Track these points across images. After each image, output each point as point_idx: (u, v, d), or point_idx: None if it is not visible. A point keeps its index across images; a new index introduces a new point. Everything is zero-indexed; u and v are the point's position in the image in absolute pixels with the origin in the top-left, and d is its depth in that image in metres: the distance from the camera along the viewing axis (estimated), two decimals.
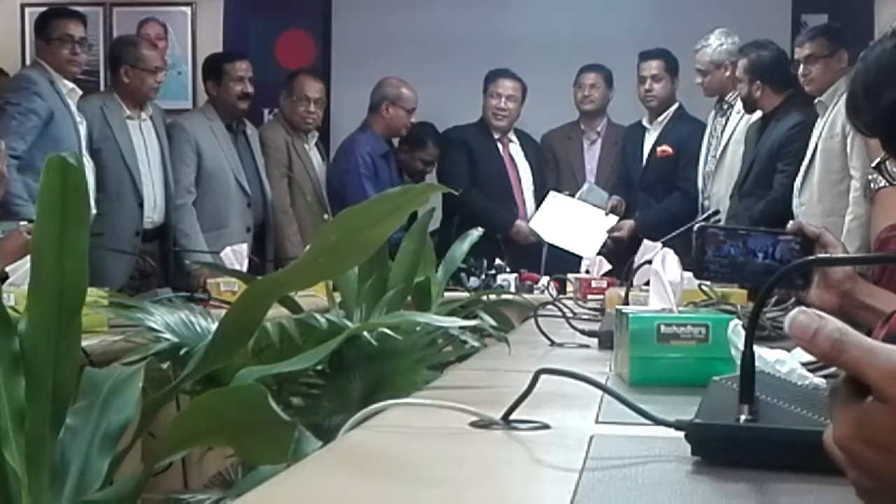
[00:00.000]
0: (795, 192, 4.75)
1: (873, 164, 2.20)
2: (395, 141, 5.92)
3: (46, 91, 4.64)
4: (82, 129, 4.79)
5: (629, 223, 5.53)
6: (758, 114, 5.13)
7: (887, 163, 1.81)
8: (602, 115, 5.94)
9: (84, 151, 4.71)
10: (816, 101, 4.75)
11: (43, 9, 5.75)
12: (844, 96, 5.17)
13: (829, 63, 4.69)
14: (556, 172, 5.91)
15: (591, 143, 5.94)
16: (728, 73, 5.31)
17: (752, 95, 5.03)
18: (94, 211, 4.68)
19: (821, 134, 4.68)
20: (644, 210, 5.62)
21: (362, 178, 5.53)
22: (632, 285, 2.83)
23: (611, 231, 5.51)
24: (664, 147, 5.63)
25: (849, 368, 0.73)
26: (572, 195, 5.66)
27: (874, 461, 0.73)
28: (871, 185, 2.49)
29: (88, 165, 4.76)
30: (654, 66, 5.63)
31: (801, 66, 4.75)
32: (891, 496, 0.73)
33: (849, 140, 4.51)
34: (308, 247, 1.46)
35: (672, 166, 5.63)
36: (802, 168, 4.73)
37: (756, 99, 5.04)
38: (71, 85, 4.76)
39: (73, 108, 4.77)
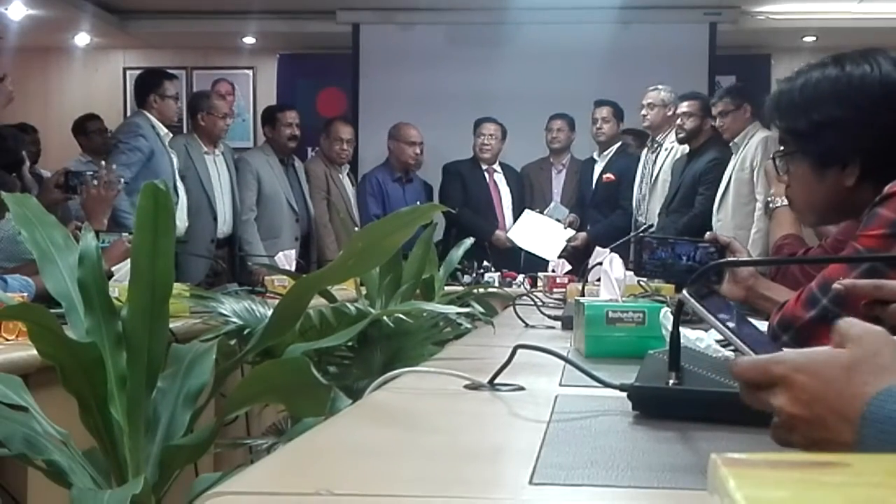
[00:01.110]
0: (714, 210, 4.76)
1: (769, 157, 2.15)
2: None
3: (149, 134, 4.63)
4: (175, 163, 4.79)
5: (583, 235, 5.51)
6: (684, 149, 5.11)
7: (776, 159, 1.79)
8: (566, 152, 5.92)
9: (177, 179, 4.72)
10: (732, 142, 4.77)
11: (139, 70, 5.76)
12: (753, 138, 5.14)
13: (737, 115, 4.71)
14: (531, 195, 5.89)
15: (557, 172, 5.91)
16: (670, 113, 5.26)
17: (700, 128, 4.94)
18: (186, 224, 4.71)
19: (734, 167, 4.70)
20: (594, 224, 5.60)
21: (367, 195, 5.68)
22: (587, 281, 2.82)
23: (569, 241, 5.49)
24: (609, 175, 5.62)
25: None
26: (541, 212, 5.66)
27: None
28: (770, 204, 2.48)
29: (181, 190, 4.76)
30: (604, 111, 5.63)
31: (718, 119, 4.77)
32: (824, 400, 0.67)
33: (755, 172, 4.54)
34: (341, 252, 1.46)
35: (615, 189, 5.62)
36: (720, 192, 4.74)
37: (702, 132, 4.96)
38: (165, 130, 4.75)
39: (168, 147, 4.77)
